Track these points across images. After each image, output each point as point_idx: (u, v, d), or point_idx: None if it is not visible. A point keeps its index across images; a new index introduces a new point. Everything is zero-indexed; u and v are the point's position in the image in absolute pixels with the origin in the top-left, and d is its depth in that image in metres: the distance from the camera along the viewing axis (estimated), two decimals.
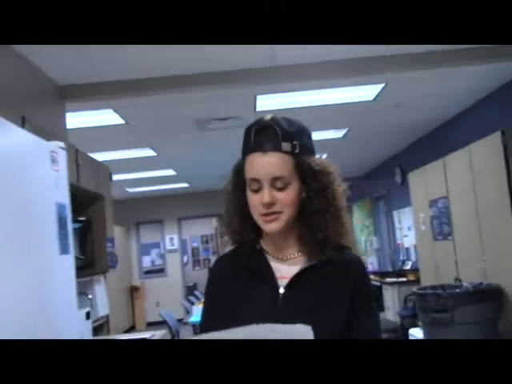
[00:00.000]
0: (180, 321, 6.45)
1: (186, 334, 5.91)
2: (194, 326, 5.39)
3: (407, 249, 7.78)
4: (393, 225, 8.49)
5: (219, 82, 3.88)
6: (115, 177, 7.51)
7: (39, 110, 3.20)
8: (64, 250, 1.71)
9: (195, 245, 13.81)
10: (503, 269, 4.02)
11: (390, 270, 8.18)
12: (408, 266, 7.30)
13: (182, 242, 11.77)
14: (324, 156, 7.68)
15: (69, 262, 1.79)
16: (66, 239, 1.74)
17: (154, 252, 11.31)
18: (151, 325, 9.92)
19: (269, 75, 3.84)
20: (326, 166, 1.18)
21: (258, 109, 4.78)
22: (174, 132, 5.61)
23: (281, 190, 1.13)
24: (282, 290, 1.16)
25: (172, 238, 11.15)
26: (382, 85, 4.46)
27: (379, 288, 6.94)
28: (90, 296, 3.28)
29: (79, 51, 3.16)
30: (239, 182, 1.19)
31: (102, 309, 3.46)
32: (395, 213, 8.27)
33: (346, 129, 6.07)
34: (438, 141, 6.20)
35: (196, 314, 5.54)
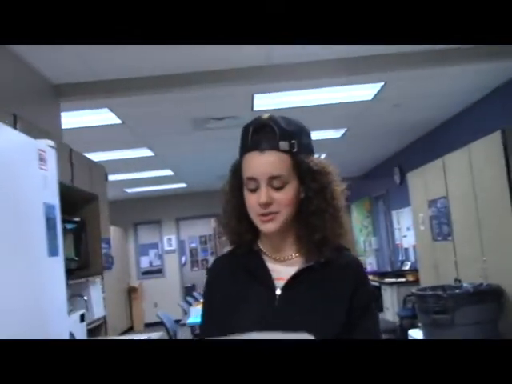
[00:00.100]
0: (178, 322, 6.40)
1: (184, 335, 5.86)
2: (191, 327, 5.35)
3: (406, 249, 7.75)
4: (392, 225, 8.46)
5: (216, 81, 3.84)
6: (113, 177, 7.51)
7: (33, 109, 3.16)
8: (53, 251, 1.66)
9: (193, 245, 13.77)
10: (503, 269, 3.99)
11: (389, 270, 8.16)
12: (407, 267, 7.27)
13: (180, 243, 11.72)
14: (323, 156, 7.65)
15: (58, 265, 1.73)
16: (55, 241, 1.69)
17: (152, 253, 11.27)
18: (149, 326, 9.87)
19: (266, 74, 3.80)
20: (325, 165, 1.17)
21: (255, 108, 4.74)
22: (172, 132, 5.56)
23: (278, 189, 1.11)
24: (278, 292, 1.14)
25: (170, 239, 11.11)
26: (381, 84, 4.42)
27: (378, 288, 6.90)
28: (85, 298, 3.23)
29: (74, 50, 3.12)
30: (237, 181, 1.17)
31: (98, 311, 3.42)
32: (394, 213, 8.24)
33: (345, 128, 6.03)
34: (437, 140, 6.16)
35: (194, 315, 5.49)
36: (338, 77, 4.04)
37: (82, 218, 3.05)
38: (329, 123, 5.72)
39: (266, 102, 4.66)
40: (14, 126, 2.16)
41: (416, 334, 4.52)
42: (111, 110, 4.49)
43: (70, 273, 2.87)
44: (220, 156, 6.15)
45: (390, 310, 6.48)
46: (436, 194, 5.20)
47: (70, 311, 2.67)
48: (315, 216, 1.13)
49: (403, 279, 6.50)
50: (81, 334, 2.59)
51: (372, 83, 4.43)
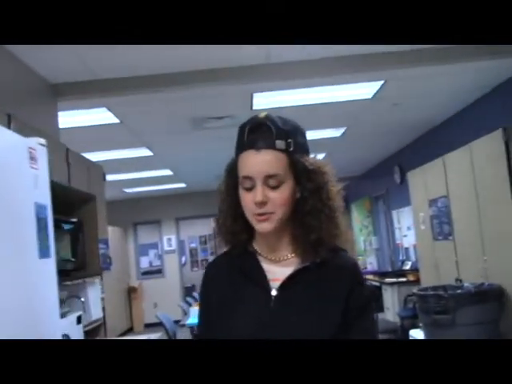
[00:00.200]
0: (177, 322, 6.37)
1: (184, 335, 5.83)
2: (191, 327, 5.31)
3: (407, 249, 7.73)
4: (392, 224, 8.43)
5: (215, 80, 3.81)
6: (112, 177, 7.49)
7: (29, 109, 3.12)
8: (44, 253, 1.62)
9: (193, 245, 13.74)
10: (505, 269, 3.96)
11: (390, 270, 8.13)
12: (408, 266, 7.24)
13: (180, 243, 11.69)
14: (322, 155, 7.61)
15: (49, 267, 1.69)
16: (47, 242, 1.65)
17: (152, 253, 11.24)
18: (149, 326, 9.85)
19: (265, 72, 3.77)
20: (321, 165, 1.17)
21: (254, 107, 4.71)
22: (170, 131, 5.53)
23: (274, 188, 1.10)
24: (274, 292, 1.14)
25: (170, 239, 11.09)
26: (381, 82, 4.39)
27: (379, 288, 6.88)
28: (82, 299, 3.20)
29: (71, 49, 3.09)
30: (232, 181, 1.17)
31: (95, 312, 3.38)
32: (394, 212, 8.21)
33: (345, 127, 5.99)
34: (437, 139, 6.13)
35: (193, 315, 5.46)
36: (338, 75, 4.01)
37: (79, 219, 3.01)
38: (328, 122, 5.69)
39: (265, 101, 4.62)
40: (8, 126, 2.13)
41: (417, 334, 4.49)
42: (109, 110, 4.46)
43: (67, 274, 2.84)
44: (219, 155, 6.09)
45: (391, 310, 6.45)
46: (437, 193, 5.17)
47: (67, 312, 2.64)
48: (311, 216, 1.12)
49: (404, 279, 6.47)
50: (77, 335, 2.55)
51: (371, 82, 4.39)
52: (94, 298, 3.40)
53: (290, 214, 1.14)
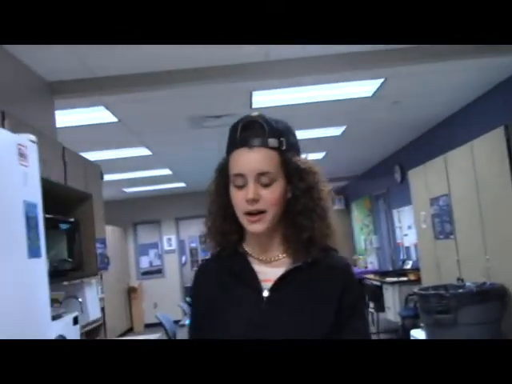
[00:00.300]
0: (177, 322, 6.34)
1: (183, 336, 5.79)
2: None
3: (407, 248, 7.69)
4: (393, 224, 8.40)
5: (214, 78, 3.77)
6: (111, 177, 7.46)
7: (25, 107, 3.08)
8: (34, 253, 1.58)
9: (193, 245, 13.70)
10: (507, 268, 3.92)
11: (391, 269, 8.10)
12: (409, 266, 7.21)
13: (180, 243, 11.66)
14: (322, 154, 7.58)
15: (40, 267, 1.65)
16: (37, 241, 1.61)
17: (152, 252, 11.21)
18: (149, 326, 9.82)
19: (264, 70, 3.74)
20: (312, 165, 1.17)
21: (253, 105, 4.67)
22: (169, 130, 5.50)
23: (266, 186, 1.10)
24: (266, 293, 1.13)
25: (170, 239, 11.05)
26: (381, 80, 4.35)
27: (379, 288, 6.84)
28: (80, 299, 3.16)
29: (68, 47, 3.05)
30: (223, 180, 1.17)
31: (93, 312, 3.35)
32: (395, 211, 8.18)
33: (345, 126, 5.96)
34: (438, 137, 6.09)
35: None
36: (338, 72, 3.97)
37: (76, 218, 2.98)
38: (328, 121, 5.65)
39: (265, 99, 4.59)
40: (2, 123, 2.10)
41: (418, 334, 4.46)
42: (107, 108, 4.42)
43: (64, 274, 2.80)
44: (219, 155, 5.99)
45: (392, 310, 6.41)
46: (438, 191, 5.14)
47: (63, 313, 2.61)
48: (302, 216, 1.12)
49: (405, 278, 6.43)
50: (73, 336, 2.51)
51: (372, 80, 4.36)
52: (92, 298, 3.37)
53: (281, 215, 1.14)
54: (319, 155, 7.64)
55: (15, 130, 1.92)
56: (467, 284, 4.12)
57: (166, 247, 11.04)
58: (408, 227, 7.44)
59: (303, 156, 1.18)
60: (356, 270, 10.15)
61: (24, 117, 2.65)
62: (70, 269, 2.83)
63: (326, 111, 5.17)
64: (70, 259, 2.82)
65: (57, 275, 2.58)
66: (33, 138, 1.71)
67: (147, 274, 11.03)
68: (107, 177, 7.31)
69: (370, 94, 4.71)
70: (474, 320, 3.70)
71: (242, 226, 1.15)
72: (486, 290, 3.87)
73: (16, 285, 1.48)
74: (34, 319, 1.57)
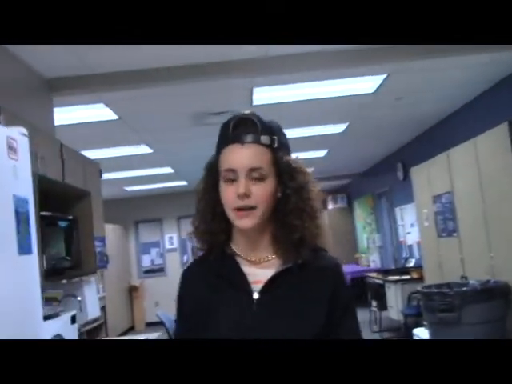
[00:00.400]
0: None
1: None
2: None
3: (410, 246, 7.65)
4: (395, 222, 8.36)
5: (214, 73, 3.73)
6: (112, 175, 7.43)
7: (22, 103, 3.04)
8: (24, 249, 1.53)
9: (195, 244, 13.65)
10: (511, 266, 3.87)
11: (393, 267, 8.06)
12: (411, 264, 7.17)
13: (182, 241, 11.63)
14: (324, 152, 7.54)
15: (31, 264, 1.61)
16: (28, 238, 1.57)
17: (154, 251, 11.19)
18: (150, 325, 9.79)
19: (265, 66, 3.69)
20: (302, 165, 1.18)
21: (254, 103, 4.63)
22: (170, 127, 5.46)
23: (257, 182, 1.10)
24: (256, 296, 1.11)
25: (171, 237, 11.03)
26: (384, 76, 4.30)
27: (382, 286, 6.80)
28: (78, 298, 3.13)
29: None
30: (212, 178, 1.16)
31: (92, 311, 3.32)
32: (397, 209, 8.14)
33: (347, 123, 5.91)
34: (441, 134, 6.04)
35: None
36: (339, 69, 3.93)
37: (74, 216, 2.94)
38: (330, 117, 5.61)
39: (266, 96, 4.54)
40: None
41: (421, 332, 4.42)
42: (107, 106, 4.38)
43: (62, 272, 2.77)
44: None
45: (394, 308, 6.37)
46: (441, 189, 5.09)
47: (61, 312, 2.57)
48: (293, 215, 1.12)
49: (407, 276, 6.39)
50: (71, 335, 2.48)
51: (374, 75, 4.31)
52: (91, 296, 3.34)
53: (271, 214, 1.13)
54: (321, 153, 7.60)
55: (10, 124, 1.88)
56: (471, 282, 4.08)
57: (168, 246, 11.02)
58: (411, 225, 7.40)
59: (294, 156, 1.18)
60: (358, 268, 10.11)
61: (21, 113, 2.61)
62: (68, 267, 2.79)
63: (327, 108, 5.12)
64: (68, 257, 2.79)
65: (55, 273, 2.55)
66: (24, 131, 1.67)
67: (149, 272, 11.01)
68: (109, 175, 7.30)
69: (372, 91, 4.66)
70: (478, 318, 3.65)
71: (230, 226, 1.15)
72: (490, 288, 3.83)
73: (5, 282, 1.43)
74: (24, 318, 1.53)
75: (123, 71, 3.66)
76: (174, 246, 11.02)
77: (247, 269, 1.14)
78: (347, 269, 10.04)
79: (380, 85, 4.50)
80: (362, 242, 10.90)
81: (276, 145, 1.13)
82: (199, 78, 3.77)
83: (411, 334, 4.72)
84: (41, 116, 3.33)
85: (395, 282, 6.39)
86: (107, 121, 4.76)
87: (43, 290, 2.72)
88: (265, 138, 1.11)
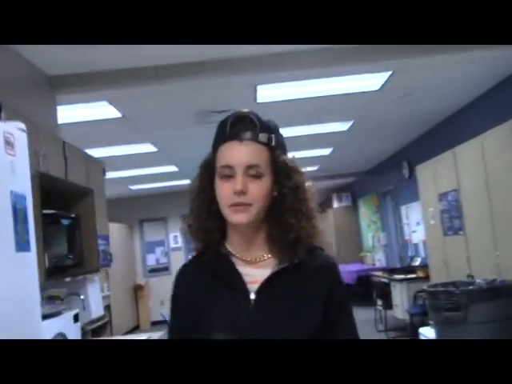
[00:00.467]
0: None
1: None
2: None
3: (416, 245, 7.61)
4: (400, 220, 8.31)
5: (218, 71, 3.71)
6: (117, 174, 7.43)
7: (25, 101, 3.02)
8: (22, 246, 1.51)
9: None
10: None
11: (399, 266, 8.02)
12: (417, 263, 7.13)
13: (187, 240, 11.62)
14: (329, 150, 7.50)
15: (29, 261, 1.58)
16: (26, 234, 1.55)
17: (159, 250, 11.18)
18: (156, 324, 9.80)
19: (268, 63, 3.66)
20: (298, 165, 1.18)
21: (258, 100, 4.60)
22: (174, 126, 5.44)
23: (254, 180, 1.09)
24: (253, 296, 1.11)
25: (176, 236, 11.02)
26: (389, 73, 4.26)
27: (387, 285, 6.76)
28: (82, 297, 3.12)
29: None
30: (208, 176, 1.16)
31: (96, 310, 3.30)
32: (403, 208, 8.10)
33: (352, 121, 5.87)
34: (447, 131, 5.99)
35: None
36: (344, 66, 3.89)
37: (77, 214, 2.92)
38: (335, 115, 5.57)
39: (269, 94, 4.52)
40: None
41: (427, 331, 4.38)
42: (111, 104, 4.37)
43: (64, 270, 2.75)
44: None
45: (400, 307, 6.33)
46: (447, 186, 5.05)
47: (63, 310, 2.56)
48: (289, 214, 1.11)
49: (413, 275, 6.35)
50: (74, 334, 2.46)
51: (379, 72, 4.27)
52: (95, 295, 3.32)
53: (266, 213, 1.12)
54: (326, 151, 7.57)
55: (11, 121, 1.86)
56: (477, 281, 4.03)
57: (173, 244, 11.01)
58: (416, 223, 7.35)
59: (290, 156, 1.18)
60: (363, 267, 10.07)
61: (23, 111, 2.60)
62: (70, 265, 2.77)
63: (332, 106, 5.09)
64: (70, 255, 2.77)
65: (57, 271, 2.53)
66: (22, 126, 1.65)
67: (154, 271, 11.00)
68: (113, 174, 7.30)
69: (377, 88, 4.63)
70: (484, 317, 3.61)
71: (224, 224, 1.14)
72: (497, 287, 3.78)
73: (1, 280, 1.41)
74: (22, 317, 1.51)
75: (126, 69, 3.64)
76: (178, 244, 11.01)
77: (243, 269, 1.14)
78: (352, 268, 10.01)
79: (385, 82, 4.46)
80: (367, 241, 10.85)
81: (274, 143, 1.13)
82: (203, 75, 3.75)
83: (417, 333, 4.68)
84: (43, 114, 3.32)
85: (401, 280, 6.35)
86: (111, 119, 4.75)
87: (46, 288, 2.71)
88: (263, 136, 1.11)
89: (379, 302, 7.02)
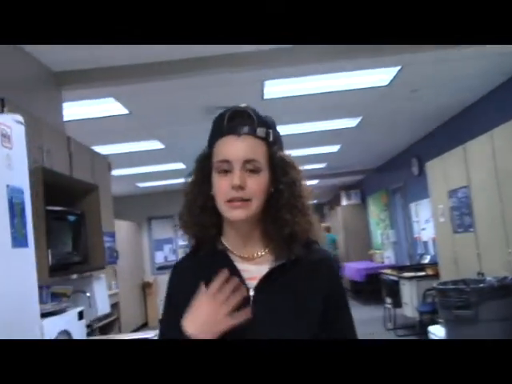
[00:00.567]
0: None
1: None
2: None
3: (425, 242, 7.54)
4: (410, 218, 8.24)
5: (225, 65, 3.67)
6: (125, 171, 7.43)
7: (30, 97, 3.01)
8: (19, 242, 1.48)
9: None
10: None
11: (408, 264, 7.95)
12: (426, 260, 7.07)
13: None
14: (337, 147, 7.44)
15: (27, 257, 1.55)
16: (23, 230, 1.52)
17: (167, 247, 11.20)
18: None
19: (276, 58, 3.62)
20: (295, 161, 1.18)
21: (265, 96, 4.56)
22: (181, 122, 5.42)
23: (251, 174, 1.08)
24: (251, 293, 1.09)
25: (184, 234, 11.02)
26: (398, 68, 4.21)
27: (396, 283, 6.70)
28: (88, 294, 3.10)
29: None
30: (204, 171, 1.14)
31: (102, 307, 3.28)
32: (412, 205, 8.03)
33: (360, 117, 5.81)
34: (457, 127, 5.92)
35: None
36: (352, 61, 3.84)
37: (82, 210, 2.90)
38: (343, 111, 5.52)
39: (277, 90, 4.48)
40: (2, 110, 2.03)
41: (437, 330, 4.33)
42: (117, 100, 4.35)
43: (69, 267, 2.73)
44: None
45: (409, 306, 6.27)
46: (457, 183, 4.98)
47: (68, 307, 2.54)
48: (285, 210, 1.11)
49: (423, 273, 6.29)
50: (79, 331, 2.44)
51: (388, 67, 4.22)
52: (101, 292, 3.30)
53: (263, 209, 1.11)
54: (334, 148, 7.51)
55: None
56: (488, 278, 3.98)
57: (181, 242, 11.01)
58: (426, 221, 7.29)
59: (287, 152, 1.18)
60: (373, 264, 10.00)
61: (29, 107, 2.58)
62: (75, 262, 2.75)
63: (340, 101, 5.04)
64: (75, 252, 2.75)
65: (61, 268, 2.51)
66: (19, 118, 1.62)
67: (162, 269, 11.00)
68: (121, 171, 7.29)
69: (386, 83, 4.57)
70: (495, 315, 3.56)
71: (220, 220, 1.13)
72: (508, 285, 3.72)
73: None
74: (19, 314, 1.47)
75: (132, 64, 3.62)
76: (186, 242, 11.00)
77: (240, 265, 1.12)
78: (361, 265, 9.95)
79: (394, 77, 4.41)
80: (376, 239, 10.78)
81: (271, 138, 1.12)
82: (210, 70, 3.71)
83: (426, 332, 4.63)
84: (49, 109, 3.30)
85: (410, 278, 6.29)
86: (118, 115, 4.74)
87: (50, 285, 2.69)
88: (261, 131, 1.11)
89: (388, 300, 6.96)
